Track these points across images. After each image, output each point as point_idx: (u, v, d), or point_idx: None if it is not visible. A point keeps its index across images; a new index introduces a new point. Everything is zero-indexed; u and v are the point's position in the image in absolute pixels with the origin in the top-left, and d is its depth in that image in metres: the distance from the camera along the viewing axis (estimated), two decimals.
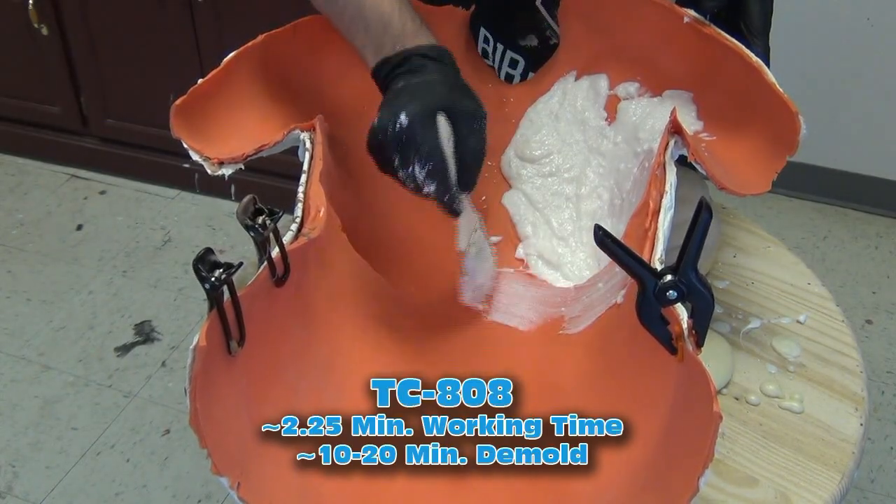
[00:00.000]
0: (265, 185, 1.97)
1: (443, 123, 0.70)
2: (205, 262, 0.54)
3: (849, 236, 2.07)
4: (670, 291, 0.57)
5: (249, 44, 0.82)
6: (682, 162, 0.73)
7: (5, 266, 2.01)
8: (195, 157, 0.74)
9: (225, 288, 0.55)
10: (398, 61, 0.73)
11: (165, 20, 1.93)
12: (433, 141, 0.69)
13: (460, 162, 0.71)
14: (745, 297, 0.90)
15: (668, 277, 0.57)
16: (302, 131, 0.77)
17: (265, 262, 0.61)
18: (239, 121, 0.81)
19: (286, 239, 0.65)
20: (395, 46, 0.74)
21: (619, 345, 0.70)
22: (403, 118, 0.68)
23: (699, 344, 0.57)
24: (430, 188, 0.70)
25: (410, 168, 0.69)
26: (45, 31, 2.04)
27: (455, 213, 0.73)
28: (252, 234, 0.59)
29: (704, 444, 0.52)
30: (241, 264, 0.56)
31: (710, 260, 0.93)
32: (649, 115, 0.84)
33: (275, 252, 0.62)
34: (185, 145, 0.74)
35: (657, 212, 0.67)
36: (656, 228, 0.66)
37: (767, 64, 0.77)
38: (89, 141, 2.23)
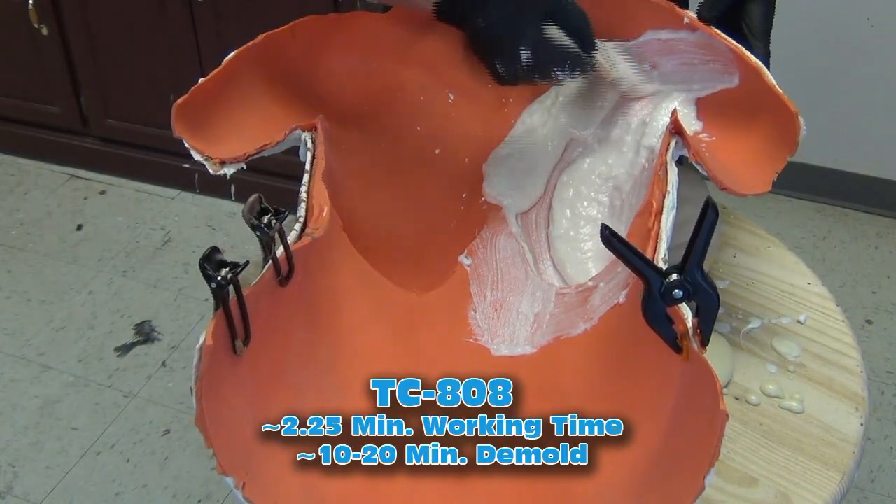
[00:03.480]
0: (265, 185, 1.96)
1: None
2: (211, 262, 0.54)
3: (849, 236, 2.07)
4: (676, 290, 0.57)
5: (250, 43, 0.82)
6: (681, 162, 0.73)
7: (5, 266, 2.01)
8: (197, 156, 0.74)
9: (230, 287, 0.55)
10: None
11: (165, 20, 1.93)
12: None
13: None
14: (745, 297, 0.90)
15: (674, 276, 0.57)
16: (303, 131, 0.77)
17: (270, 262, 0.61)
18: (240, 120, 0.81)
19: (290, 238, 0.65)
20: None
21: (621, 345, 0.70)
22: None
23: (704, 343, 0.57)
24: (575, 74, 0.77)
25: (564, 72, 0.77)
26: (45, 31, 2.04)
27: (591, 66, 0.79)
28: (258, 234, 0.59)
29: (710, 442, 0.52)
30: (247, 263, 0.56)
31: (710, 260, 0.93)
32: (649, 115, 0.84)
33: (279, 251, 0.62)
34: (187, 145, 0.74)
35: (660, 212, 0.67)
36: (659, 228, 0.66)
37: (768, 66, 0.77)
38: (89, 141, 2.23)
